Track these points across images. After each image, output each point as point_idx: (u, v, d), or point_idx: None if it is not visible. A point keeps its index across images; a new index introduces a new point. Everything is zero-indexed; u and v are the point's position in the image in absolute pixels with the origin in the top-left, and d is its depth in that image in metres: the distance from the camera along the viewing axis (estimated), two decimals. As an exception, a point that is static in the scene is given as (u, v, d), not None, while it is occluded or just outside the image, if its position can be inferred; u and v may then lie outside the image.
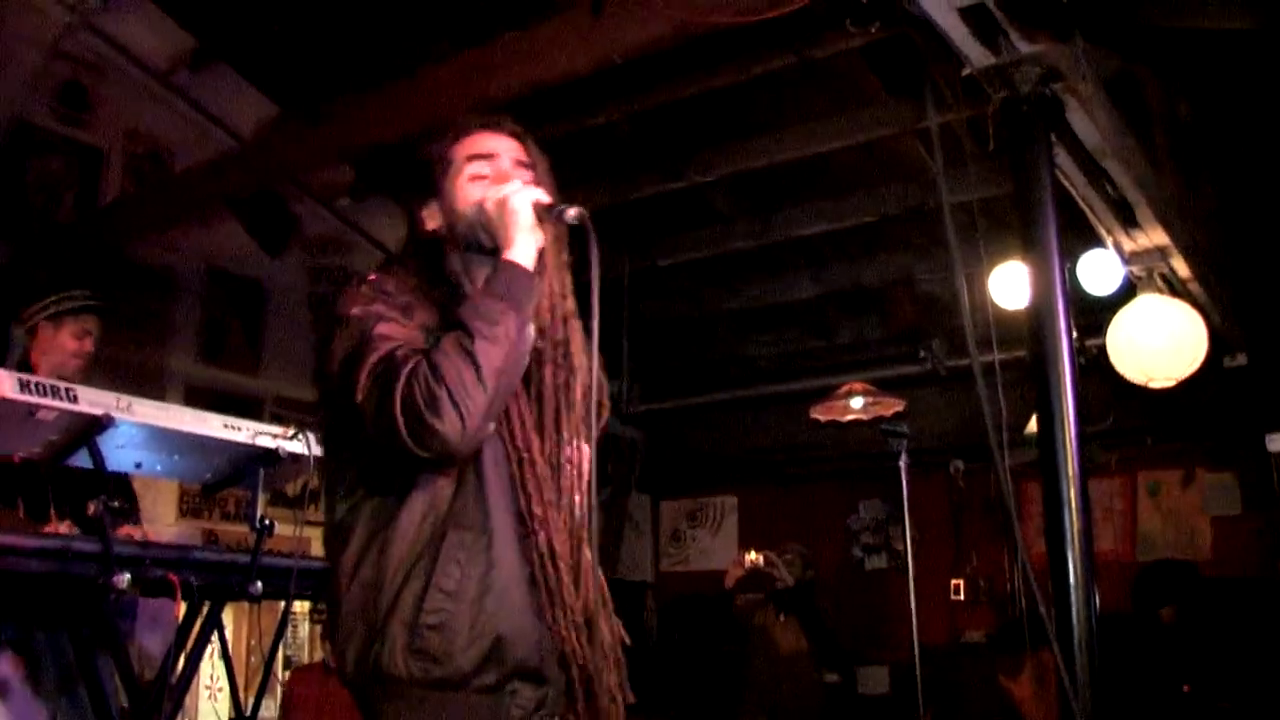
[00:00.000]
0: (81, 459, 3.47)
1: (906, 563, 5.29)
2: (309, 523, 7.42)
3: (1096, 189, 4.53)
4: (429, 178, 2.10)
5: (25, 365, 4.20)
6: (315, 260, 7.96)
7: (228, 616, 4.36)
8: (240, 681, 4.64)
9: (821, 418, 6.64)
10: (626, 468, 10.17)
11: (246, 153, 6.60)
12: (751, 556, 6.95)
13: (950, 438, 7.44)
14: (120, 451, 3.59)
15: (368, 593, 1.85)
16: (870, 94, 6.03)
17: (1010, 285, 5.36)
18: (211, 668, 6.15)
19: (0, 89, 6.44)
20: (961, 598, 8.42)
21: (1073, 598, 3.22)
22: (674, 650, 9.22)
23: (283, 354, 7.66)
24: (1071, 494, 3.30)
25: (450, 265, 2.03)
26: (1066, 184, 4.33)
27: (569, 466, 1.99)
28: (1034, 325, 3.57)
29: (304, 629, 7.40)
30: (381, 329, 1.88)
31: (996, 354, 3.69)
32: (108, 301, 4.57)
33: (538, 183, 2.07)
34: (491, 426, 1.86)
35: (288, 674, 6.36)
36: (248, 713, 4.36)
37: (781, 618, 6.91)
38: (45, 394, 3.20)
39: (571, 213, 1.96)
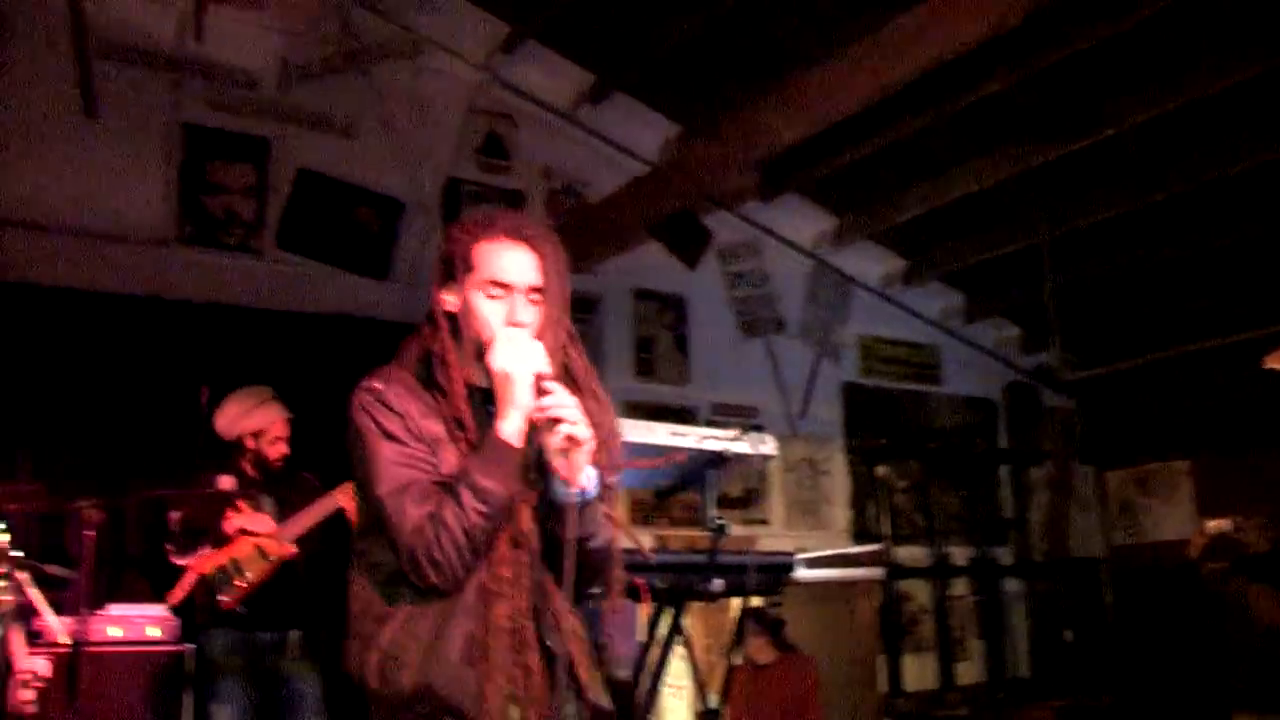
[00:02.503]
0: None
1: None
2: (754, 520, 7.77)
3: None
4: (452, 265, 2.31)
5: None
6: (730, 267, 8.19)
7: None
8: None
9: (1277, 366, 6.12)
10: (1064, 440, 9.79)
11: (657, 175, 6.89)
12: (1217, 523, 6.52)
13: None
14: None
15: (361, 620, 2.23)
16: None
17: None
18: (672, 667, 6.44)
19: (432, 153, 7.13)
20: None
21: None
22: (1134, 627, 8.78)
23: (711, 362, 7.95)
24: None
25: (448, 376, 2.27)
26: None
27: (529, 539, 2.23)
28: None
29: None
30: (393, 454, 2.19)
31: None
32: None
33: (549, 305, 2.28)
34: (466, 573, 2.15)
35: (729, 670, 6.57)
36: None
37: (1255, 588, 6.43)
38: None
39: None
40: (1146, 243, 7.88)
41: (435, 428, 2.23)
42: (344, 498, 4.82)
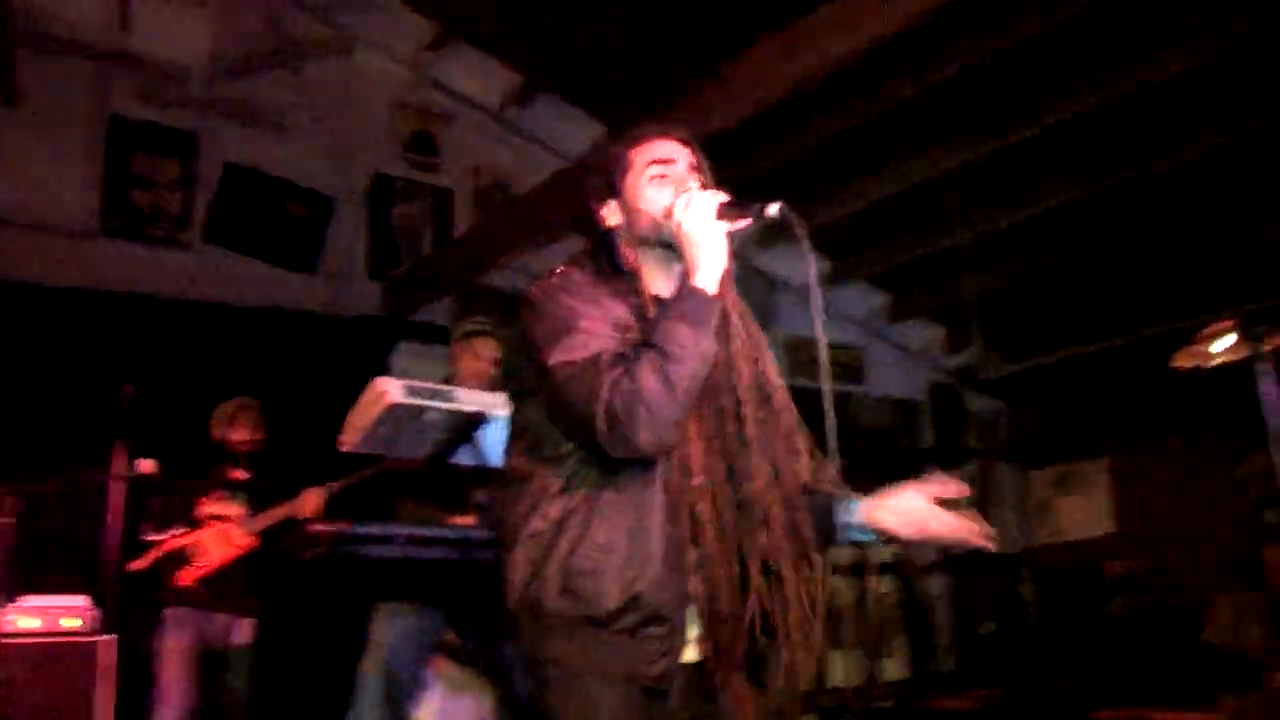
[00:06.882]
0: (467, 455, 3.76)
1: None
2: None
3: None
4: (610, 179, 2.28)
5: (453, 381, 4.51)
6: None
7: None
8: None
9: (1185, 365, 6.24)
10: (989, 440, 9.95)
11: (578, 168, 6.93)
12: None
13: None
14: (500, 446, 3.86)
15: (534, 539, 2.12)
16: None
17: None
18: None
19: (360, 149, 7.17)
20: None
21: None
22: (1055, 623, 8.93)
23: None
24: None
25: (628, 259, 2.23)
26: None
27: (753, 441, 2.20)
28: None
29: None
30: (584, 325, 2.08)
31: None
32: (496, 325, 4.84)
33: (706, 186, 2.22)
34: (676, 435, 2.06)
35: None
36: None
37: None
38: (429, 397, 3.52)
39: (772, 209, 2.10)
40: (1067, 241, 8.04)
41: (619, 310, 2.18)
42: (310, 502, 4.88)
